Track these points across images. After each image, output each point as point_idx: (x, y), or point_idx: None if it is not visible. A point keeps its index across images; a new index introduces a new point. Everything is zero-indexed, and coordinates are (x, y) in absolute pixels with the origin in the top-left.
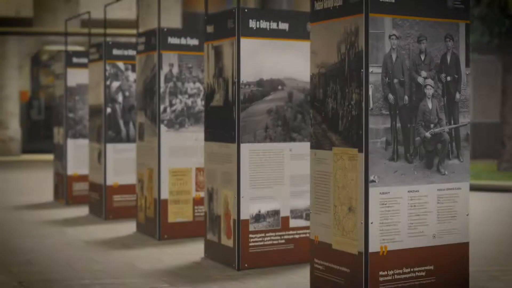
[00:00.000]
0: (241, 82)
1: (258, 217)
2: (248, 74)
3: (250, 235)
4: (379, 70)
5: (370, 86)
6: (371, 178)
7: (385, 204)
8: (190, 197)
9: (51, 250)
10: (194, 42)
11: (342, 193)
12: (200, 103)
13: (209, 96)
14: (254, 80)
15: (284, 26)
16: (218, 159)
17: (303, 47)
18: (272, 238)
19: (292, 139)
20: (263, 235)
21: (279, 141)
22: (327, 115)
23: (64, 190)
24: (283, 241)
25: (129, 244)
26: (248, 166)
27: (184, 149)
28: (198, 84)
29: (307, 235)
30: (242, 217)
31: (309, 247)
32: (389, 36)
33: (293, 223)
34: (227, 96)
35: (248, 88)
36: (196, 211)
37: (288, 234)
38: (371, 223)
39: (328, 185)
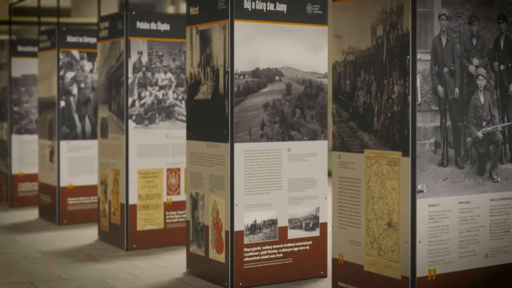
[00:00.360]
0: (234, 72)
1: (253, 228)
2: (242, 62)
3: (245, 249)
4: (428, 57)
5: (418, 76)
6: (419, 187)
7: (434, 218)
8: (161, 202)
9: (6, 264)
10: (165, 27)
11: (378, 205)
12: (171, 96)
13: (193, 88)
14: (249, 69)
15: (281, 7)
16: (205, 160)
17: (302, 32)
18: (269, 252)
19: (291, 138)
20: (259, 248)
21: (276, 140)
22: (357, 110)
23: (8, 191)
24: (280, 255)
25: (94, 256)
26: (243, 169)
27: (154, 147)
28: (169, 75)
29: (307, 247)
30: (236, 228)
31: (332, 268)
32: (439, 16)
33: (291, 234)
34: (216, 88)
35: (243, 79)
36: (167, 217)
37: (286, 247)
38: (419, 241)
39: (358, 194)
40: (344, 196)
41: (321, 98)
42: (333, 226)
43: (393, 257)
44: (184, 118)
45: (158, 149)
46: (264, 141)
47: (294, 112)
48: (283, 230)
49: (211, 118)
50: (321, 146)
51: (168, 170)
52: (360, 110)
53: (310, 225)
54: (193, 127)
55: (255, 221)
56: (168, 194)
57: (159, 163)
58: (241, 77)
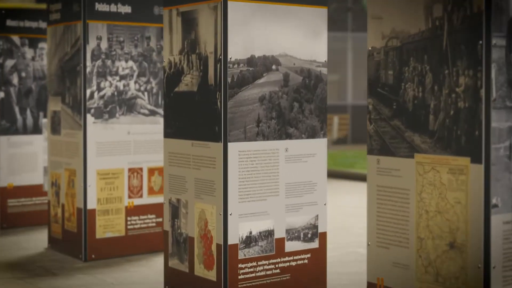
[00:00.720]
0: (228, 60)
1: (248, 241)
2: (237, 49)
3: (240, 265)
4: (503, 42)
5: (492, 65)
6: (494, 201)
7: (509, 239)
8: (122, 206)
9: None
10: (126, 9)
11: (436, 221)
12: (133, 87)
13: (172, 79)
14: (244, 57)
15: None
16: (190, 162)
17: (300, 13)
18: (265, 267)
19: (288, 136)
20: (254, 263)
21: (273, 138)
22: (404, 107)
23: None
24: (277, 270)
25: (50, 268)
26: (237, 172)
27: (114, 145)
28: (130, 63)
29: (306, 261)
30: (230, 241)
31: None
32: None
33: (289, 246)
34: (205, 78)
35: (237, 68)
36: (128, 223)
37: (284, 262)
38: (493, 267)
39: (405, 207)
40: (385, 209)
41: (320, 90)
42: (368, 244)
43: (457, 284)
44: (147, 112)
45: (119, 147)
46: (260, 140)
47: (292, 106)
48: (280, 242)
49: (198, 113)
50: (320, 145)
51: (129, 170)
52: (408, 106)
53: (309, 235)
54: (172, 124)
55: (251, 233)
56: (129, 197)
57: (120, 163)
58: (235, 66)
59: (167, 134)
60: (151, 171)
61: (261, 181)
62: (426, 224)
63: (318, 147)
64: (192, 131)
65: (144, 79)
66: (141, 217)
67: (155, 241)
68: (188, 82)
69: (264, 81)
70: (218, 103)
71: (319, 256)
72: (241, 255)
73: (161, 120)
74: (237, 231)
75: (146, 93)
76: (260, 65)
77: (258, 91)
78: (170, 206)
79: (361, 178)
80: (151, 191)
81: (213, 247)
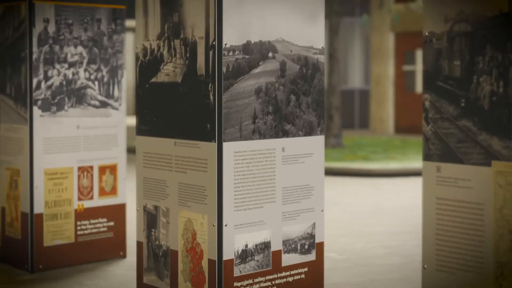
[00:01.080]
0: (223, 46)
1: (244, 255)
2: (232, 34)
3: (235, 283)
4: None
5: None
6: None
7: None
8: (71, 210)
9: None
10: None
11: None
12: (83, 75)
13: (147, 68)
14: (240, 43)
15: None
16: (172, 164)
17: None
18: (262, 285)
19: (285, 133)
20: (250, 281)
21: (269, 136)
22: (476, 104)
23: None
24: (274, 287)
25: None
26: (232, 176)
27: (63, 141)
28: (80, 49)
29: (303, 276)
30: (226, 256)
31: None
32: None
33: (285, 259)
34: (192, 67)
35: (232, 56)
36: (78, 228)
37: (281, 277)
38: None
39: (479, 225)
40: (449, 226)
41: (318, 80)
42: (424, 267)
43: None
44: (98, 103)
45: (68, 143)
46: (256, 139)
47: (289, 100)
48: (277, 255)
49: (183, 108)
50: (317, 143)
51: (79, 169)
52: (483, 104)
53: (306, 246)
54: (148, 119)
55: (246, 246)
56: (79, 199)
57: (69, 161)
58: (231, 53)
59: (141, 131)
60: (102, 169)
61: (257, 186)
62: (509, 247)
63: (315, 145)
64: (175, 128)
65: (94, 66)
66: (92, 221)
67: (106, 248)
68: (169, 72)
69: (260, 70)
70: (211, 97)
71: (316, 269)
72: (236, 271)
73: (113, 112)
74: (233, 245)
75: (96, 82)
76: (256, 53)
77: (254, 82)
78: (145, 213)
79: None
80: (102, 192)
81: (204, 263)
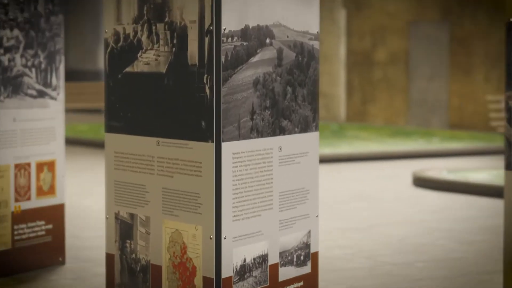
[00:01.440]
0: (222, 31)
1: (243, 271)
2: (230, 17)
3: None
4: None
5: None
6: None
7: None
8: (8, 212)
9: None
10: None
11: None
12: (19, 62)
13: (120, 55)
14: (238, 28)
15: None
16: (154, 166)
17: None
18: None
19: (282, 130)
20: None
21: (267, 134)
22: None
23: None
24: None
25: None
26: (231, 181)
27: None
28: (16, 32)
29: None
30: (224, 273)
31: None
32: None
33: (282, 273)
34: (181, 56)
35: (231, 43)
36: (16, 233)
37: None
38: None
39: None
40: None
41: (313, 69)
42: None
43: None
44: (35, 93)
45: (4, 138)
46: (254, 137)
47: (286, 92)
48: (274, 269)
49: (169, 102)
50: (312, 141)
51: (16, 166)
52: None
53: (301, 258)
54: (122, 115)
55: (245, 261)
56: (16, 200)
57: (5, 158)
58: (229, 39)
59: (112, 128)
60: (40, 166)
61: (255, 192)
62: None
63: (310, 143)
64: (157, 125)
65: (31, 52)
66: (30, 224)
67: (45, 253)
68: (150, 61)
69: (258, 59)
70: (207, 90)
71: (312, 283)
72: None
73: (51, 103)
74: (231, 260)
75: (33, 70)
76: (254, 39)
77: (252, 72)
78: (117, 222)
79: None
80: (40, 192)
81: (197, 281)
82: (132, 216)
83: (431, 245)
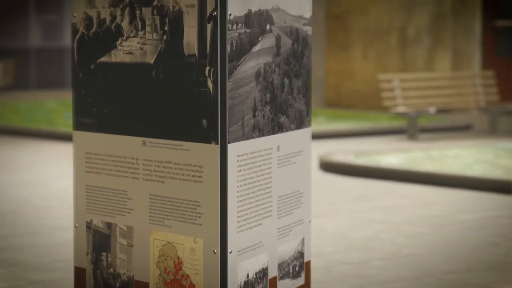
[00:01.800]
0: (228, 17)
1: None
2: (233, 1)
3: None
4: None
5: None
6: None
7: None
8: None
9: None
10: None
11: None
12: None
13: (93, 43)
14: (242, 13)
15: None
16: (139, 169)
17: None
18: None
19: (280, 127)
20: None
21: (267, 132)
22: None
23: None
24: None
25: None
26: (236, 187)
27: None
28: None
29: None
30: None
31: None
32: None
33: (280, 287)
34: (175, 45)
35: (235, 30)
36: None
37: None
38: None
39: None
40: None
41: (306, 58)
42: None
43: None
44: None
45: None
46: (256, 136)
47: (283, 84)
48: (273, 283)
49: (158, 97)
50: (306, 138)
51: None
52: None
53: (297, 268)
54: (95, 110)
55: (248, 276)
56: None
57: None
58: (234, 26)
59: (82, 126)
60: None
61: (257, 198)
62: None
63: (304, 140)
64: (142, 123)
65: None
66: None
67: None
68: (133, 50)
69: (259, 48)
70: (209, 84)
71: None
72: None
73: None
74: (236, 276)
75: None
76: (256, 25)
77: (254, 63)
78: (89, 232)
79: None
80: None
81: None
82: (109, 225)
83: (377, 239)
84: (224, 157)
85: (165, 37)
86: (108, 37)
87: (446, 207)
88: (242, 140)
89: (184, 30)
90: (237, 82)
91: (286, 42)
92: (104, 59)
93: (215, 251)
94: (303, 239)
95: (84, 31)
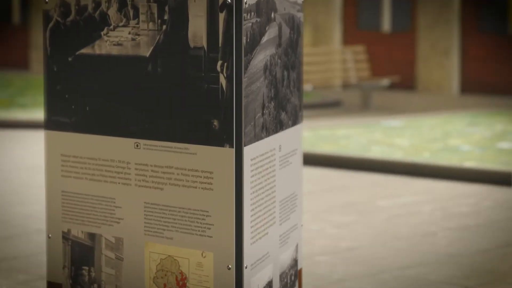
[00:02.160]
0: (243, 5)
1: None
2: None
3: None
4: None
5: None
6: None
7: None
8: None
9: None
10: None
11: None
12: None
13: (69, 32)
14: (253, 1)
15: None
16: (130, 175)
17: None
18: None
19: (281, 125)
20: None
21: (272, 131)
22: None
23: None
24: None
25: None
26: (250, 195)
27: None
28: None
29: None
30: None
31: None
32: None
33: None
34: (179, 36)
35: (249, 20)
36: None
37: None
38: None
39: None
40: None
41: (300, 48)
42: None
43: None
44: None
45: None
46: (264, 137)
47: (283, 77)
48: None
49: (157, 94)
50: (299, 135)
51: None
52: None
53: (292, 278)
54: (73, 107)
55: None
56: None
57: None
58: (248, 16)
59: (56, 125)
60: None
61: (265, 204)
62: None
63: (298, 138)
64: (134, 123)
65: None
66: None
67: None
68: (122, 41)
69: (266, 39)
70: (222, 80)
71: None
72: None
73: None
74: None
75: None
76: (264, 14)
77: (262, 56)
78: (67, 243)
79: None
80: None
81: None
82: (92, 236)
83: (307, 231)
84: (240, 162)
85: (164, 27)
86: (90, 26)
87: (366, 193)
88: (255, 141)
89: (189, 20)
90: (250, 77)
91: (286, 31)
92: (85, 50)
93: (229, 266)
94: (297, 245)
95: (59, 19)
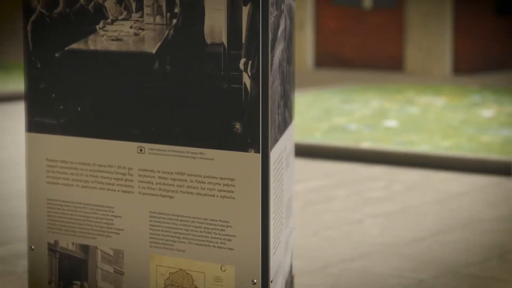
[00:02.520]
0: None
1: None
2: None
3: None
4: None
5: None
6: None
7: None
8: None
9: None
10: None
11: None
12: None
13: (56, 26)
14: None
15: None
16: (133, 182)
17: None
18: None
19: (285, 124)
20: None
21: (281, 132)
22: None
23: None
24: None
25: None
26: (272, 201)
27: None
28: None
29: None
30: None
31: None
32: None
33: None
34: (194, 31)
35: (272, 11)
36: None
37: None
38: None
39: None
40: None
41: (293, 41)
42: None
43: None
44: None
45: None
46: (279, 138)
47: (287, 73)
48: None
49: (166, 94)
50: (293, 132)
51: None
52: None
53: (289, 285)
54: (62, 108)
55: None
56: None
57: None
58: (271, 8)
59: (40, 127)
60: None
61: (279, 211)
62: None
63: (293, 135)
64: (138, 125)
65: None
66: None
67: None
68: (123, 36)
69: (280, 33)
70: (246, 79)
71: None
72: None
73: None
74: None
75: None
76: (279, 6)
77: (278, 51)
78: (54, 256)
79: None
80: None
81: None
82: (85, 248)
83: None
84: (266, 168)
85: (174, 21)
86: (83, 19)
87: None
88: (275, 144)
89: (206, 14)
90: (273, 76)
91: (288, 23)
92: (76, 46)
93: (254, 280)
94: (292, 250)
95: (43, 11)
